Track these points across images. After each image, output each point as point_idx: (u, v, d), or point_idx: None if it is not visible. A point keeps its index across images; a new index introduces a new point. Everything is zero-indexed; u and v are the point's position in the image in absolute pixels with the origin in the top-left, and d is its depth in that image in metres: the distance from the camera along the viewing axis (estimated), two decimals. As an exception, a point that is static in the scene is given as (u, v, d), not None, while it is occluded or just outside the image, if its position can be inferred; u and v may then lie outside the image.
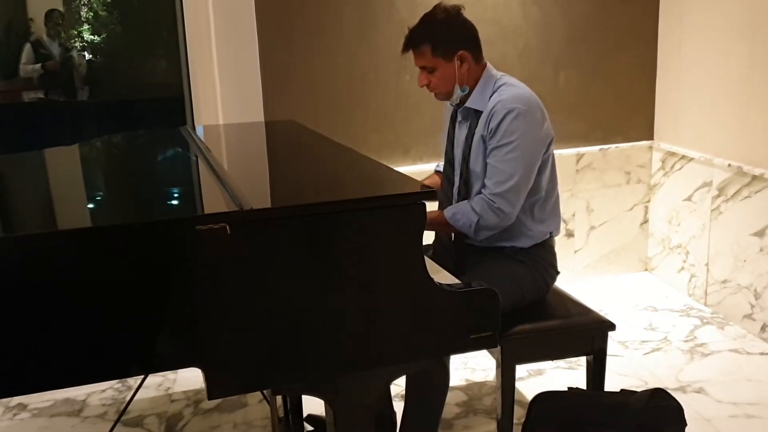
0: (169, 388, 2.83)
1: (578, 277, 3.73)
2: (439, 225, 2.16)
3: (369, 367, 1.57)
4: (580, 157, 3.61)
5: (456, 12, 2.14)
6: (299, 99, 3.23)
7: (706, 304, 3.39)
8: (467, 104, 2.18)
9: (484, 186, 2.10)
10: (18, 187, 2.03)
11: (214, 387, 1.44)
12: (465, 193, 2.19)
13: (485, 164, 2.12)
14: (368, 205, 1.51)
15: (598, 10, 3.51)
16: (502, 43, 3.39)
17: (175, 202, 1.73)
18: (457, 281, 1.76)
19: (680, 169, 3.52)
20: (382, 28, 3.24)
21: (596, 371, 2.18)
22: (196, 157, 2.11)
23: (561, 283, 2.34)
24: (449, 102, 2.24)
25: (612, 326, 2.14)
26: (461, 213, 2.10)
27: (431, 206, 2.15)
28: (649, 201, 3.77)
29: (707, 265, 3.36)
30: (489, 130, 2.09)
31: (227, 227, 1.38)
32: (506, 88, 2.13)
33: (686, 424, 2.03)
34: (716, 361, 2.89)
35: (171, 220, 1.41)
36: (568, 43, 3.51)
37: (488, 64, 2.21)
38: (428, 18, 2.14)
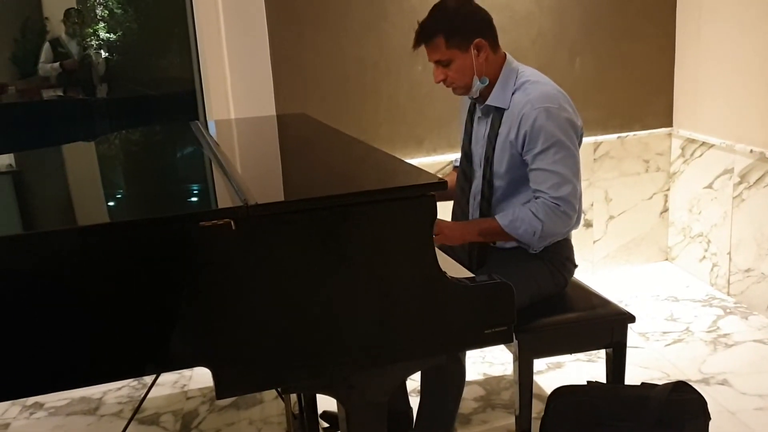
0: (185, 385, 2.82)
1: (597, 268, 3.67)
2: (494, 234, 2.03)
3: (382, 364, 1.54)
4: (597, 145, 3.54)
5: (468, 0, 2.06)
6: (310, 91, 3.20)
7: (728, 294, 3.31)
8: (488, 102, 2.08)
9: (537, 192, 1.99)
10: (29, 184, 2.03)
11: (222, 386, 1.42)
12: (489, 194, 2.11)
13: (510, 165, 2.04)
14: (376, 197, 1.47)
15: (614, -5, 3.44)
16: (515, 30, 3.33)
17: (181, 198, 1.71)
18: (470, 275, 1.72)
19: (700, 156, 3.45)
20: (392, 17, 3.19)
21: (616, 364, 2.13)
22: (205, 153, 2.08)
23: (580, 274, 2.29)
24: (468, 95, 2.15)
25: (632, 318, 2.09)
26: (521, 220, 1.98)
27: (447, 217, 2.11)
28: (668, 189, 3.69)
29: (729, 253, 3.29)
30: (522, 134, 1.99)
31: (232, 223, 1.35)
32: (531, 86, 2.03)
33: (710, 418, 1.98)
34: (740, 351, 2.82)
35: (174, 217, 1.38)
36: (583, 28, 3.44)
37: (508, 55, 2.12)
38: (439, 8, 2.05)
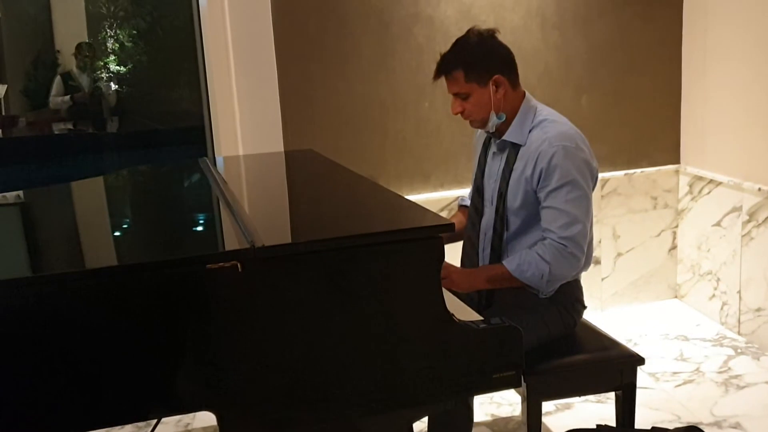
0: (188, 423, 2.79)
1: (606, 306, 3.63)
2: (502, 280, 2.00)
3: (389, 408, 1.51)
4: (605, 182, 3.53)
5: (490, 35, 2.06)
6: (318, 127, 3.21)
7: (739, 333, 3.27)
8: (505, 137, 2.08)
9: (546, 231, 1.97)
10: (37, 220, 2.03)
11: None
12: (501, 230, 2.09)
13: (524, 202, 2.03)
14: (383, 239, 1.46)
15: (619, 31, 3.45)
16: (522, 67, 3.26)
17: (189, 239, 1.70)
18: (479, 317, 1.70)
19: (708, 193, 3.43)
20: (400, 55, 3.21)
21: (626, 407, 2.10)
22: (213, 192, 2.08)
23: (588, 312, 2.26)
24: (484, 129, 2.14)
25: (641, 360, 2.06)
26: (527, 263, 1.95)
27: (455, 260, 2.09)
28: (677, 226, 3.67)
29: (739, 292, 3.25)
30: (538, 171, 1.99)
31: (239, 265, 1.34)
32: (549, 125, 2.04)
33: (723, 464, 1.94)
34: (753, 393, 2.77)
35: (180, 260, 1.38)
36: (589, 65, 3.45)
37: (527, 93, 2.12)
38: (460, 42, 2.05)
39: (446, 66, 2.03)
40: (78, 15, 6.13)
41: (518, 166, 2.05)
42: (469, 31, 2.08)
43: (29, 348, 1.30)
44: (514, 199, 2.06)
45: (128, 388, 1.36)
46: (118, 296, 1.32)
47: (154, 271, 1.34)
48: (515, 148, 2.07)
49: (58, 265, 1.56)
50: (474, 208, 2.21)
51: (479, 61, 2.02)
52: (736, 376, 2.91)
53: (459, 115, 2.09)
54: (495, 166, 2.14)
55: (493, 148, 2.17)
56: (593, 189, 2.06)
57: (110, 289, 1.32)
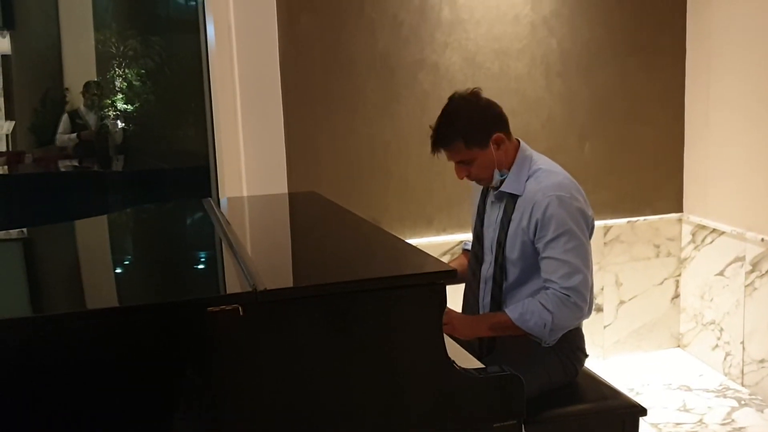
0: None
1: (608, 354, 3.60)
2: (504, 328, 1.98)
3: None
4: (607, 229, 3.54)
5: (476, 97, 2.05)
6: (323, 169, 3.23)
7: (743, 385, 3.23)
8: (502, 188, 2.09)
9: (548, 281, 1.97)
10: (39, 256, 2.03)
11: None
12: (500, 280, 2.09)
13: (522, 252, 2.04)
14: (385, 285, 1.46)
15: (623, 80, 3.50)
16: (526, 114, 3.38)
17: (191, 281, 1.70)
18: (479, 365, 1.69)
19: (711, 242, 3.43)
20: (405, 101, 3.25)
21: (628, 459, 2.06)
22: (216, 233, 2.08)
23: (590, 360, 2.24)
24: (491, 186, 2.13)
25: (643, 411, 2.04)
26: (530, 312, 1.94)
27: (457, 305, 2.09)
28: (680, 275, 3.66)
29: (743, 343, 3.23)
30: (534, 221, 1.99)
31: (239, 308, 1.34)
32: (543, 174, 2.04)
33: None
34: (757, 447, 2.74)
35: (181, 302, 1.37)
36: (593, 113, 3.49)
37: (521, 142, 2.13)
38: (451, 112, 2.04)
39: (444, 140, 2.03)
40: (88, 54, 6.20)
41: (516, 217, 2.05)
42: (453, 98, 2.06)
43: (26, 388, 1.29)
44: (512, 250, 2.06)
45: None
46: (118, 337, 1.32)
47: (155, 313, 1.33)
48: (513, 198, 2.08)
49: (58, 304, 1.56)
50: (474, 256, 2.21)
51: (476, 127, 2.02)
52: (740, 429, 2.87)
53: (465, 178, 2.10)
54: (493, 214, 2.15)
55: (491, 197, 2.18)
56: (590, 238, 2.05)
57: (110, 330, 1.31)
